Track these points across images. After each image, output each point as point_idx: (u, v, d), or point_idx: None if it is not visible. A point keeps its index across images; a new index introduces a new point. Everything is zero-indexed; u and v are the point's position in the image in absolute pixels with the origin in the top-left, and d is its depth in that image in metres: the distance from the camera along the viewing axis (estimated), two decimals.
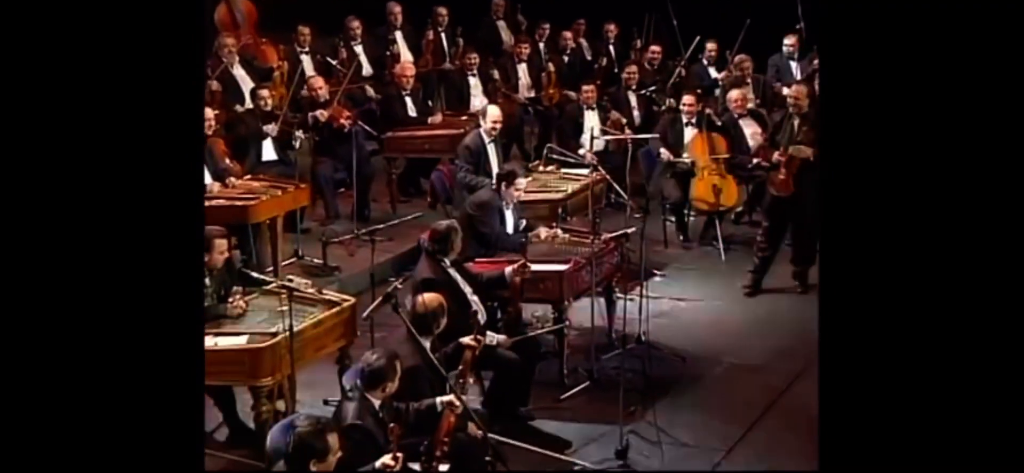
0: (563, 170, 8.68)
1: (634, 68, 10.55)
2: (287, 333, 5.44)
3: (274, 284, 6.13)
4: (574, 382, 6.55)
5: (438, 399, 5.08)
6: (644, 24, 11.84)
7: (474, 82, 10.59)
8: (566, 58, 11.48)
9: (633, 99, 10.33)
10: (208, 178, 7.63)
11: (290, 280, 6.01)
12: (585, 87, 9.95)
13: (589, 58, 11.82)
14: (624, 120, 9.95)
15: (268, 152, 8.72)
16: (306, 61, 10.22)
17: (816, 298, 6.36)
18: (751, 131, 9.09)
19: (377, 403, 4.87)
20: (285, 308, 5.49)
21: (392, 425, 4.54)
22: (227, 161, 8.12)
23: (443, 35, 11.30)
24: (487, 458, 5.04)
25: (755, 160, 8.40)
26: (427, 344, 5.35)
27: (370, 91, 10.45)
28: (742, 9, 10.57)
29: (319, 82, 9.33)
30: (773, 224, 8.01)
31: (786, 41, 10.67)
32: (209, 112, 7.99)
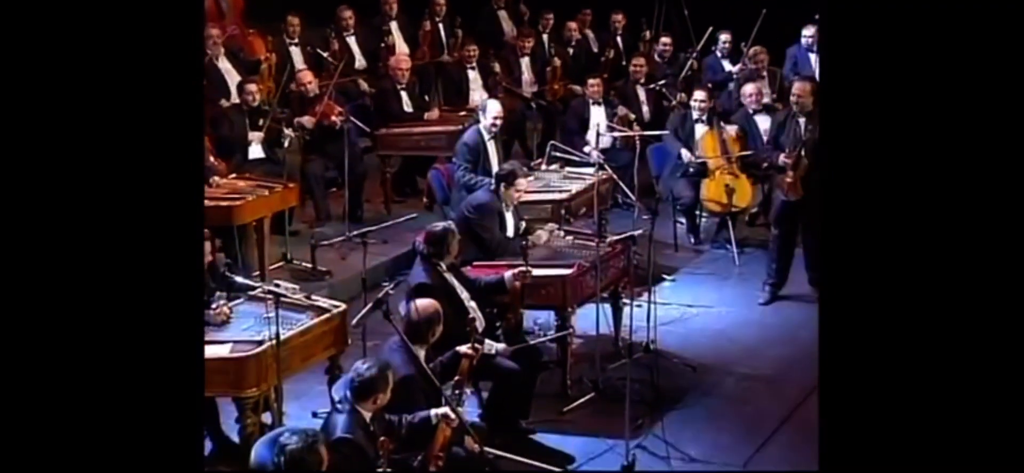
0: (567, 169, 8.69)
1: (643, 61, 10.57)
2: (274, 342, 5.44)
3: (260, 289, 6.13)
4: (578, 393, 6.56)
5: (433, 411, 5.09)
6: (654, 14, 11.86)
7: (473, 75, 10.61)
8: (571, 50, 11.51)
9: (642, 94, 10.35)
10: None
11: (277, 285, 6.01)
12: (591, 81, 9.98)
13: (595, 50, 11.85)
14: (632, 116, 9.98)
15: (255, 150, 8.74)
16: (296, 53, 10.26)
17: None
18: (767, 128, 9.09)
19: (368, 415, 4.87)
20: (272, 315, 5.49)
21: (383, 438, 4.54)
22: (211, 159, 8.13)
23: (441, 25, 11.33)
24: None
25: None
26: (421, 353, 5.36)
27: (363, 85, 10.48)
28: None
29: (309, 77, 9.35)
30: (783, 231, 7.97)
31: (805, 32, 10.62)
32: None
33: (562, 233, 7.23)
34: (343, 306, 6.14)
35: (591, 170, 8.45)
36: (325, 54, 10.33)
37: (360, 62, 10.69)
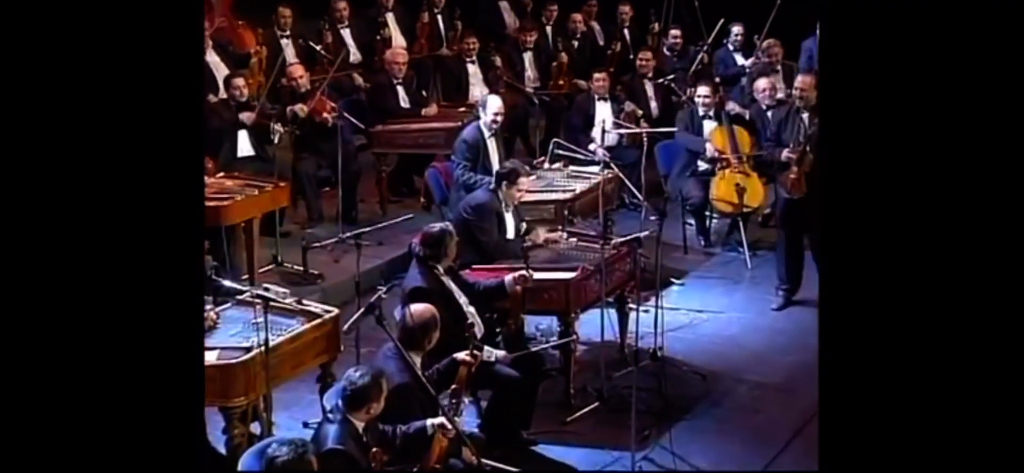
0: (571, 167, 8.68)
1: (651, 54, 10.59)
2: (263, 348, 5.46)
3: (249, 293, 6.15)
4: (582, 403, 6.57)
5: (429, 421, 5.11)
6: (663, 5, 11.85)
7: (473, 69, 10.64)
8: (576, 43, 11.51)
9: (650, 89, 10.36)
10: None
11: (267, 289, 6.01)
12: (597, 75, 9.99)
13: (601, 43, 11.85)
14: (640, 112, 9.99)
15: (244, 147, 8.77)
16: (287, 46, 10.26)
17: None
18: None
19: (361, 426, 4.88)
20: (261, 320, 5.52)
21: (376, 450, 4.56)
22: None
23: (439, 17, 11.35)
24: None
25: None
26: (417, 360, 5.38)
27: (358, 80, 10.49)
28: None
29: (300, 71, 9.36)
30: (789, 231, 7.96)
31: (820, 24, 10.65)
32: None
33: (565, 236, 7.23)
34: (335, 311, 6.16)
35: (596, 169, 8.49)
36: (318, 47, 10.35)
37: (355, 56, 10.70)
